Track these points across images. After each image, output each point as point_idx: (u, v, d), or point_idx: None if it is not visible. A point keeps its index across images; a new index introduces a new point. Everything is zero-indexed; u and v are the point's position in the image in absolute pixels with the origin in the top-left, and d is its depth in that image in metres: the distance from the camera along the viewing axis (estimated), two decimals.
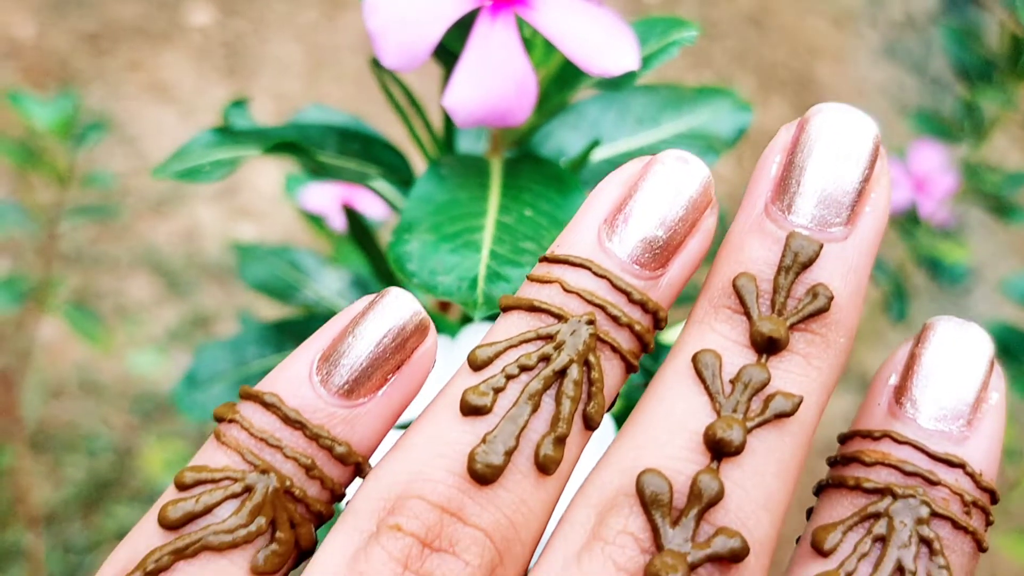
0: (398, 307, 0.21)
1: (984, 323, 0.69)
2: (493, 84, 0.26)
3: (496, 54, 0.26)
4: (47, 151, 0.81)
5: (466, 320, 0.33)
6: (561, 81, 0.30)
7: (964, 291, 1.80)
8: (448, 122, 0.33)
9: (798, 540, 0.21)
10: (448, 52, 0.28)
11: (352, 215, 0.36)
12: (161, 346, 1.53)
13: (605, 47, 0.27)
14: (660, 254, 0.21)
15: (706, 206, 0.21)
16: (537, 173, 0.30)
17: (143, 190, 1.70)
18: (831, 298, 0.20)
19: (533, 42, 0.29)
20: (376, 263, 0.36)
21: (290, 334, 0.35)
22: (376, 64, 0.31)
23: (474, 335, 0.30)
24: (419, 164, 0.34)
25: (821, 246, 0.20)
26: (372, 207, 0.82)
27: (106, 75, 1.88)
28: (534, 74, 0.27)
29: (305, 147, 0.29)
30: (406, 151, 0.35)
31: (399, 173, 0.33)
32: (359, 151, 0.32)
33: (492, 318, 0.30)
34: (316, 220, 0.88)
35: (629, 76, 0.28)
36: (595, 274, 0.21)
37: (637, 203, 0.21)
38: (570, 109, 0.34)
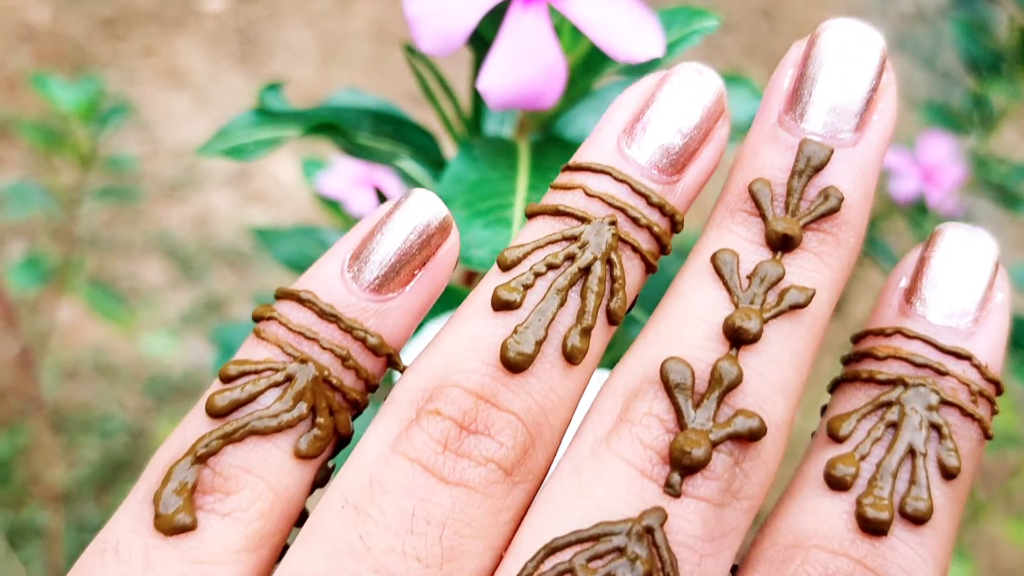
0: (422, 206, 0.22)
1: None
2: (525, 69, 0.28)
3: (528, 41, 0.27)
4: (70, 134, 0.82)
5: None
6: (588, 67, 0.32)
7: None
8: (476, 106, 0.34)
9: (814, 434, 0.22)
10: (481, 39, 0.30)
11: (381, 196, 0.38)
12: (174, 329, 1.55)
13: (631, 35, 0.28)
14: (677, 160, 0.22)
15: (719, 115, 0.23)
16: (563, 155, 0.31)
17: (156, 175, 1.72)
18: (842, 199, 0.22)
19: (562, 28, 0.31)
20: None
21: None
22: (409, 50, 0.32)
23: None
24: (448, 146, 0.36)
25: (832, 151, 0.22)
26: (392, 190, 0.83)
27: (121, 60, 1.90)
28: (564, 59, 0.28)
29: (343, 128, 0.31)
30: (435, 133, 0.36)
31: (429, 154, 0.35)
32: (392, 132, 0.34)
33: None
34: (333, 204, 0.89)
35: (653, 62, 0.30)
36: (616, 179, 0.22)
37: (655, 112, 0.22)
38: (592, 95, 0.35)
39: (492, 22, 0.29)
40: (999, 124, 0.80)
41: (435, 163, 0.35)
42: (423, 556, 0.18)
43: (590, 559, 0.18)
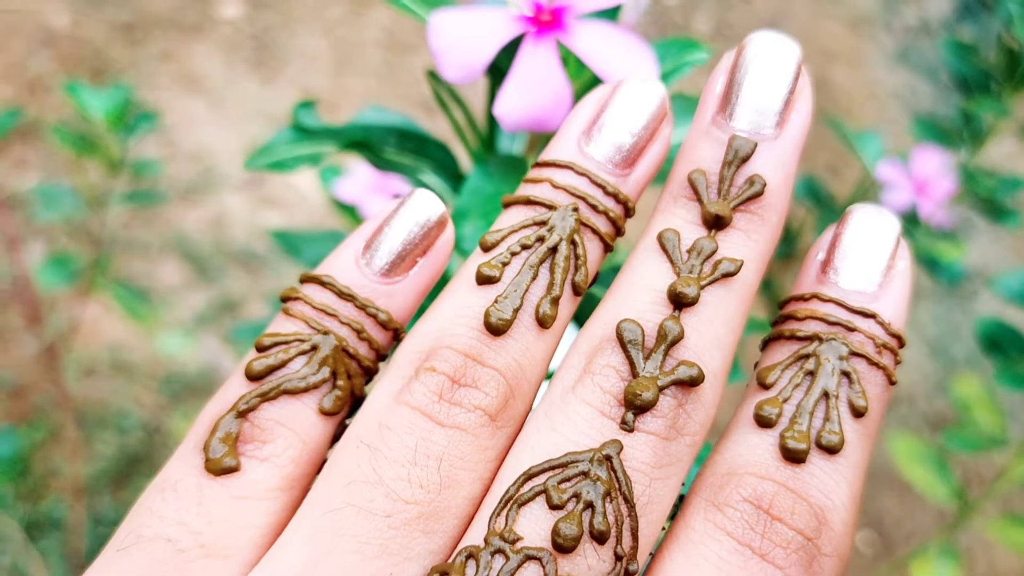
0: (423, 204, 0.27)
1: (979, 320, 0.73)
2: (535, 96, 0.31)
3: (538, 71, 0.31)
4: (99, 138, 0.86)
5: None
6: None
7: (971, 294, 1.84)
8: (491, 126, 0.38)
9: (747, 386, 0.26)
10: (497, 69, 0.34)
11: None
12: (189, 329, 1.59)
13: (628, 66, 0.32)
14: (628, 156, 0.27)
15: (663, 118, 0.27)
16: None
17: (172, 178, 1.76)
18: (765, 185, 0.26)
19: (568, 60, 0.34)
20: None
21: None
22: (432, 76, 0.36)
23: None
24: (464, 159, 0.39)
25: (756, 145, 0.26)
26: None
27: (139, 65, 1.94)
28: (569, 87, 0.32)
29: (373, 145, 0.35)
30: (452, 149, 0.40)
31: (448, 168, 0.39)
32: (415, 148, 0.38)
33: None
34: (349, 209, 0.93)
35: None
36: (577, 172, 0.26)
37: (609, 116, 0.27)
38: None
39: (507, 54, 0.32)
40: (987, 139, 0.83)
41: (453, 176, 0.39)
42: (425, 483, 0.22)
43: (560, 481, 0.22)
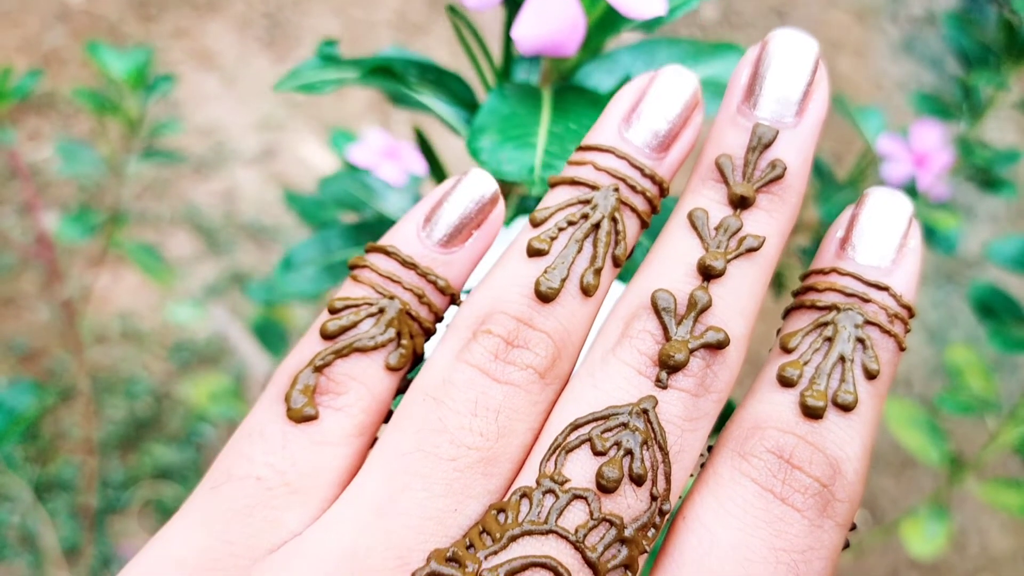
0: (479, 182, 0.30)
1: (973, 286, 0.75)
2: (552, 21, 0.34)
3: (554, 1, 0.33)
4: (120, 100, 0.88)
5: (516, 214, 0.40)
6: (603, 25, 0.37)
7: (969, 280, 1.86)
8: (507, 60, 0.40)
9: (770, 350, 0.29)
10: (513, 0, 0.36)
11: (420, 135, 0.44)
12: (199, 300, 1.61)
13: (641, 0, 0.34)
14: (664, 141, 0.29)
15: (695, 106, 0.30)
16: (580, 98, 0.37)
17: (185, 152, 1.78)
18: (785, 168, 0.28)
19: None
20: (439, 174, 0.44)
21: (364, 232, 0.43)
22: (452, 10, 0.38)
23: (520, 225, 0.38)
24: (481, 95, 0.42)
25: (778, 132, 0.28)
26: (414, 162, 0.89)
27: (153, 41, 1.96)
28: (583, 16, 0.34)
29: (397, 71, 0.37)
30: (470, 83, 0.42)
31: (464, 100, 0.41)
32: (434, 80, 0.40)
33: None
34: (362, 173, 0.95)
35: (657, 20, 0.36)
36: (618, 156, 0.29)
37: (647, 104, 0.29)
38: (606, 56, 0.41)
39: None
40: (986, 112, 0.85)
41: (470, 108, 0.41)
42: (484, 432, 0.25)
43: (603, 431, 0.25)
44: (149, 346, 1.56)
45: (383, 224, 0.45)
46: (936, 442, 0.85)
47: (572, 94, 0.38)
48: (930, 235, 0.87)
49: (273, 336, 1.06)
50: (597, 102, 0.36)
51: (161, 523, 1.34)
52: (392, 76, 0.37)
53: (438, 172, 0.44)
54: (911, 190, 0.89)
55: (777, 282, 0.98)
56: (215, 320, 1.59)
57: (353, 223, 0.43)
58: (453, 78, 0.41)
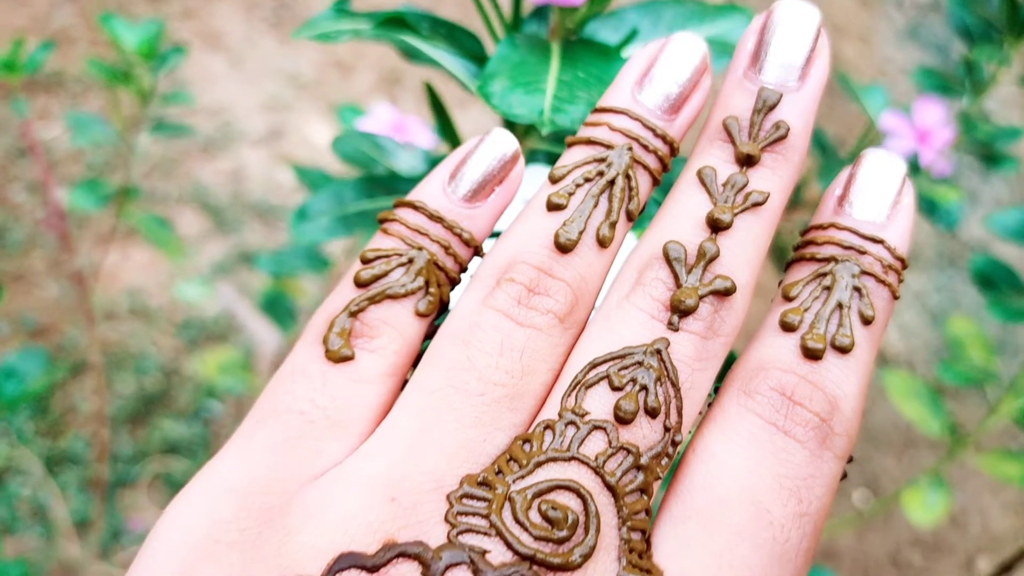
0: (501, 141, 0.31)
1: (973, 257, 0.77)
2: None
3: None
4: (132, 70, 0.89)
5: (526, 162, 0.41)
6: None
7: (979, 250, 1.86)
8: (516, 13, 0.41)
9: (773, 300, 0.30)
10: None
11: (431, 91, 0.45)
12: (207, 278, 1.62)
13: None
14: (675, 103, 0.31)
15: (704, 71, 0.31)
16: (588, 50, 0.38)
17: (192, 131, 1.79)
18: (789, 129, 0.30)
19: None
20: (448, 132, 0.45)
21: (377, 186, 0.44)
22: None
23: (531, 173, 0.39)
24: (491, 50, 0.43)
25: (782, 95, 0.30)
26: (421, 136, 0.90)
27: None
28: None
29: (410, 23, 0.38)
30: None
31: (475, 55, 0.42)
32: (445, 34, 0.41)
33: (552, 140, 0.39)
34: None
35: None
36: (631, 117, 0.31)
37: (658, 69, 0.31)
38: (612, 14, 0.42)
39: None
40: (988, 88, 0.86)
41: (480, 62, 0.42)
42: (509, 370, 0.27)
43: (620, 369, 0.27)
44: (158, 323, 1.57)
45: (394, 179, 0.46)
46: (936, 413, 0.86)
47: (580, 46, 0.39)
48: (932, 210, 0.88)
49: (282, 310, 1.08)
50: (605, 53, 0.37)
51: (171, 496, 1.35)
52: (405, 27, 0.39)
53: (448, 130, 0.45)
54: (913, 166, 0.90)
55: (779, 257, 0.99)
56: (223, 298, 1.60)
57: (365, 177, 0.44)
58: (464, 32, 0.42)
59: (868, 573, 1.52)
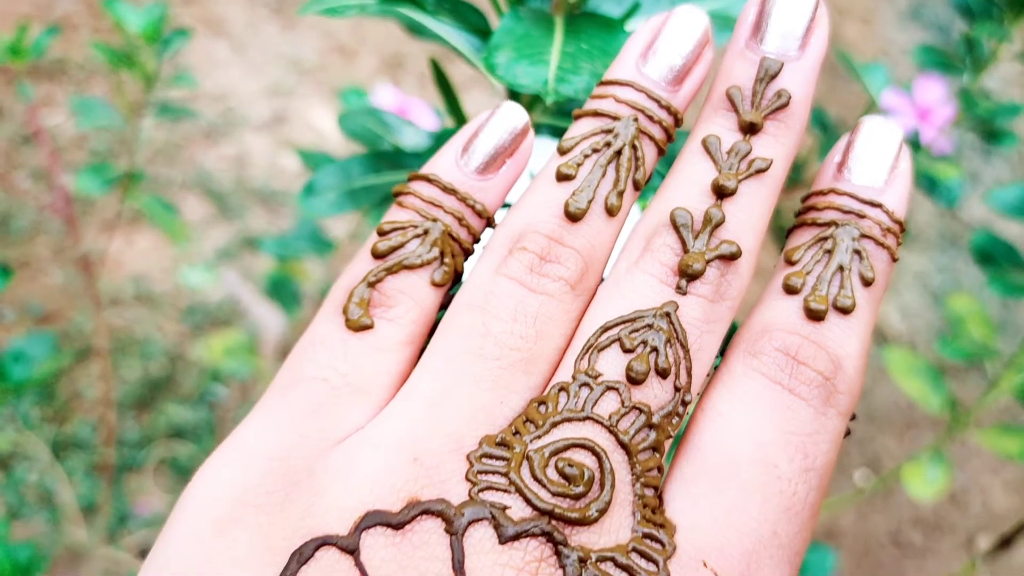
0: (512, 114, 0.32)
1: (973, 234, 0.77)
2: None
3: None
4: (136, 53, 0.89)
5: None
6: None
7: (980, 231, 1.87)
8: None
9: (775, 265, 0.31)
10: None
11: (436, 67, 0.46)
12: (211, 263, 1.63)
13: None
14: (678, 75, 0.32)
15: (706, 44, 0.32)
16: (591, 22, 0.39)
17: (197, 113, 1.79)
18: (790, 97, 0.31)
19: None
20: (454, 108, 0.45)
21: (383, 161, 0.45)
22: None
23: (536, 146, 0.39)
24: (495, 25, 0.43)
25: (783, 64, 0.31)
26: (424, 118, 0.91)
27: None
28: None
29: None
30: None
31: (479, 29, 0.42)
32: (450, 9, 0.42)
33: (555, 114, 0.40)
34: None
35: None
36: (636, 89, 0.31)
37: (662, 42, 0.32)
38: None
39: None
40: (988, 64, 0.86)
41: (484, 36, 0.42)
42: (523, 335, 0.28)
43: (631, 332, 0.28)
44: (162, 308, 1.58)
45: (400, 155, 0.47)
46: (937, 389, 0.87)
47: (583, 19, 0.39)
48: (932, 187, 0.89)
49: (287, 293, 1.08)
50: (607, 25, 0.38)
51: (176, 481, 1.36)
52: (410, 2, 0.39)
53: (454, 107, 0.46)
54: (914, 143, 0.91)
55: (780, 237, 0.99)
56: (227, 283, 1.61)
57: (371, 153, 0.45)
58: (468, 7, 0.42)
59: (869, 552, 1.53)
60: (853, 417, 0.29)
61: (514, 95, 0.41)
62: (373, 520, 0.24)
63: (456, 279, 0.31)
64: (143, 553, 1.27)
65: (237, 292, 1.59)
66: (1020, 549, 1.49)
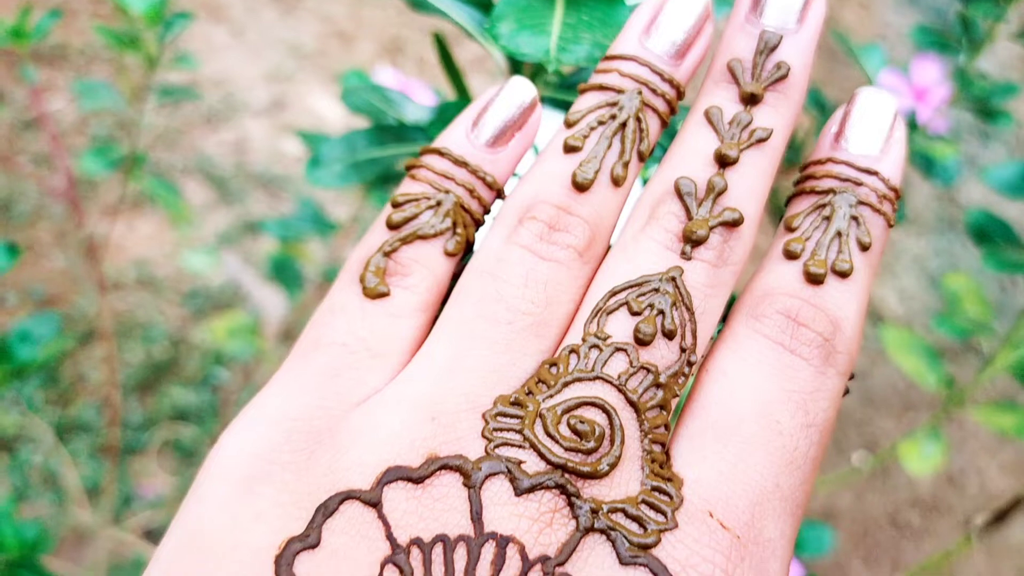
0: (520, 89, 0.33)
1: (968, 212, 0.78)
2: None
3: None
4: (139, 35, 0.90)
5: None
6: None
7: (979, 207, 1.87)
8: None
9: (776, 233, 0.32)
10: None
11: (440, 43, 0.46)
12: (212, 247, 1.64)
13: None
14: (681, 49, 0.33)
15: (708, 17, 0.33)
16: (588, 0, 0.39)
17: (196, 103, 1.80)
18: (789, 69, 0.32)
19: None
20: (458, 84, 0.46)
21: (387, 134, 0.46)
22: None
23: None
24: None
25: (782, 37, 0.32)
26: (424, 100, 0.91)
27: None
28: None
29: None
30: None
31: (480, 3, 0.43)
32: None
33: (558, 87, 0.41)
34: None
35: None
36: (640, 63, 0.32)
37: (665, 16, 0.33)
38: None
39: None
40: (984, 44, 0.87)
41: (486, 11, 0.43)
42: (535, 300, 0.29)
43: (638, 296, 0.29)
44: (164, 293, 1.59)
45: (403, 129, 0.47)
46: (933, 367, 0.88)
47: None
48: (929, 166, 0.89)
49: (289, 275, 1.09)
50: None
51: (180, 463, 1.37)
52: None
53: (457, 82, 0.46)
54: (911, 123, 0.91)
55: (778, 216, 1.00)
56: (228, 267, 1.62)
57: (376, 126, 0.46)
58: None
59: (867, 533, 1.54)
60: (852, 377, 0.30)
61: (516, 70, 0.41)
62: (394, 475, 0.25)
63: (468, 249, 0.32)
64: (147, 534, 1.28)
65: (238, 276, 1.60)
66: (1015, 526, 1.50)
